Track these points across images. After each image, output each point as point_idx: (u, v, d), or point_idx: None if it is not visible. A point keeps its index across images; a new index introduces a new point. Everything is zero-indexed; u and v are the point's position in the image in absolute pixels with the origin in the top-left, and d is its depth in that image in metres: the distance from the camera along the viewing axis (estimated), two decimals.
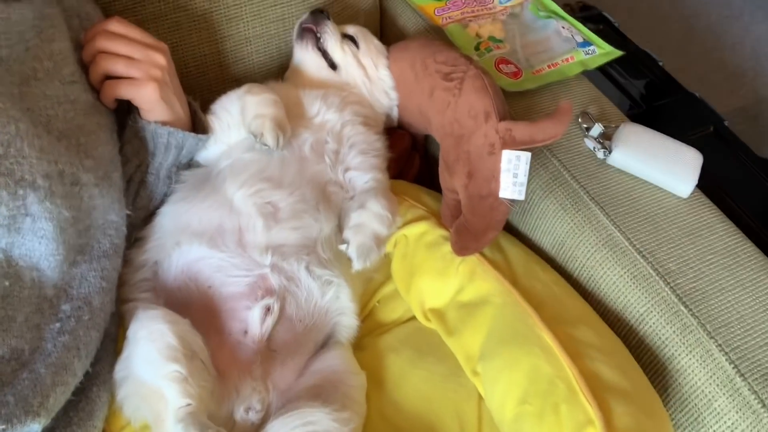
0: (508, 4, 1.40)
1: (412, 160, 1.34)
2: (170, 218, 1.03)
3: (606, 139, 1.19)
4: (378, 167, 1.15)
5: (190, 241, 0.99)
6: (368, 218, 1.02)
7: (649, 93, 2.04)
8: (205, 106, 1.21)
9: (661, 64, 2.14)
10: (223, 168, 1.07)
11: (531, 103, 1.25)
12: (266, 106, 1.06)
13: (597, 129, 1.19)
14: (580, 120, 1.22)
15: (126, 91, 0.99)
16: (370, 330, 1.14)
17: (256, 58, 1.27)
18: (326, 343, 1.05)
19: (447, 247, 1.11)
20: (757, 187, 1.88)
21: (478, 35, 1.33)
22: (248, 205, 1.01)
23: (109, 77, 0.99)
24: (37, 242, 0.84)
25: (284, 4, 1.26)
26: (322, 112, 1.14)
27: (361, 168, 1.12)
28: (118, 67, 0.98)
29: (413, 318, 1.14)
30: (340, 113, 1.14)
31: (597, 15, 2.29)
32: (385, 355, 1.08)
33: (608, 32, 2.20)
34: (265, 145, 1.03)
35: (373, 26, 1.41)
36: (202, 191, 1.04)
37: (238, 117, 1.08)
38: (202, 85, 1.25)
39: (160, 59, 1.00)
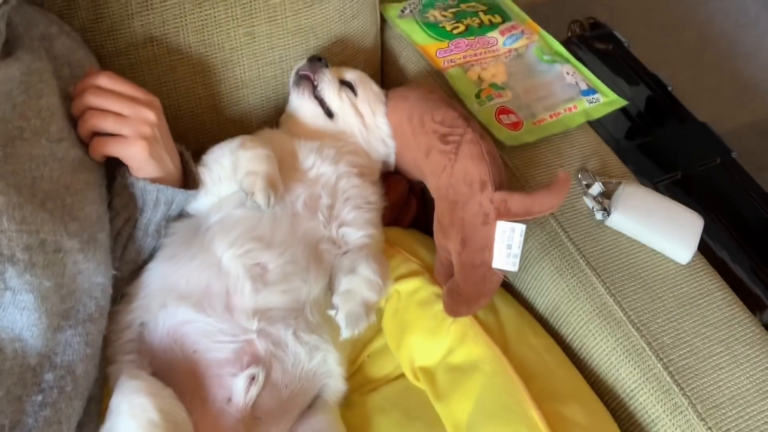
0: (513, 45, 1.37)
1: (409, 204, 1.31)
2: (157, 277, 1.02)
3: (606, 197, 1.16)
4: (372, 222, 1.13)
5: (177, 303, 0.98)
6: (358, 284, 1.01)
7: (656, 120, 2.01)
8: (199, 149, 1.20)
9: (670, 89, 2.10)
10: (213, 223, 1.05)
11: (530, 155, 1.22)
12: (259, 162, 1.04)
13: (597, 188, 1.17)
14: (579, 176, 1.20)
15: (115, 150, 0.97)
16: (359, 386, 1.13)
17: (252, 101, 1.25)
18: (312, 404, 1.04)
19: (439, 306, 1.09)
20: (762, 222, 1.85)
21: (480, 79, 1.30)
22: (237, 267, 0.99)
23: (98, 133, 0.97)
24: (18, 314, 0.82)
25: (282, 47, 1.23)
26: (317, 165, 1.12)
27: (356, 224, 1.10)
28: (107, 125, 0.96)
29: (403, 375, 1.13)
30: (335, 166, 1.12)
31: (607, 35, 2.24)
32: (373, 416, 1.07)
33: (618, 54, 2.16)
34: (256, 203, 1.01)
35: (373, 65, 1.39)
36: (191, 248, 1.03)
37: (230, 171, 1.06)
38: (196, 127, 1.23)
39: (150, 116, 0.98)
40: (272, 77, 1.25)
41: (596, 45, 2.20)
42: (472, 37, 1.35)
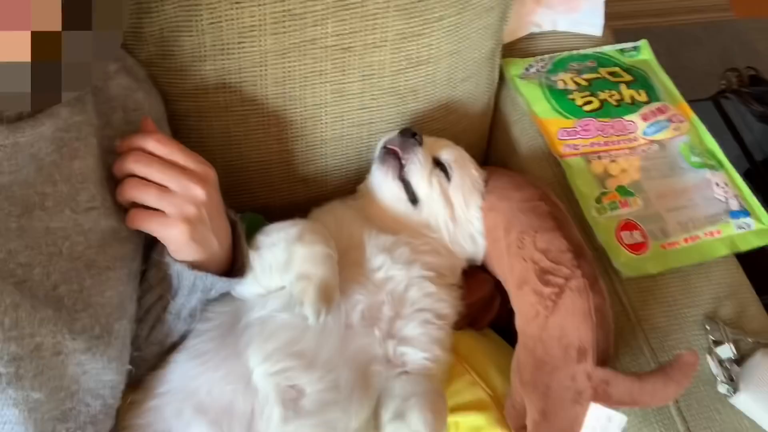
0: (655, 136, 1.12)
1: (491, 303, 1.11)
2: (179, 376, 0.88)
3: (737, 364, 0.92)
4: (441, 342, 0.95)
5: (193, 415, 0.84)
6: None
7: None
8: (264, 205, 1.05)
9: None
10: (253, 321, 0.90)
11: (649, 286, 0.99)
12: (315, 264, 0.87)
13: (726, 350, 0.93)
14: (707, 326, 0.96)
15: (152, 229, 0.83)
16: None
17: (330, 162, 1.08)
18: None
19: None
20: None
21: (606, 173, 1.07)
22: (268, 386, 0.84)
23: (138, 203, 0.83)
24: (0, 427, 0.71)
25: (373, 109, 1.05)
26: (386, 267, 0.94)
27: (420, 343, 0.93)
28: (148, 199, 0.82)
29: None
30: (407, 269, 0.94)
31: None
32: None
33: None
34: (304, 315, 0.85)
35: (479, 131, 1.18)
36: (222, 349, 0.88)
37: (283, 265, 0.90)
38: (263, 182, 1.07)
39: (199, 193, 0.83)
40: (357, 139, 1.07)
41: (756, 105, 1.87)
42: (606, 119, 1.11)
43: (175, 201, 0.82)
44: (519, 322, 0.87)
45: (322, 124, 1.03)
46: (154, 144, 0.82)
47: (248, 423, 0.84)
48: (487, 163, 1.23)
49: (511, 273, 0.90)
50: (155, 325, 0.91)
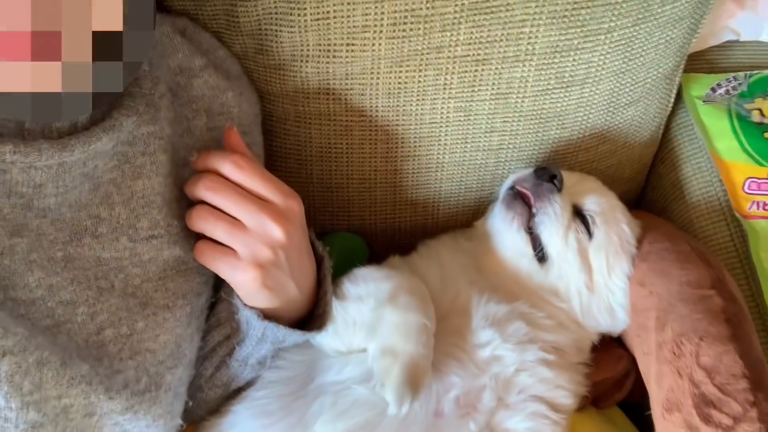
0: None
1: (622, 382, 0.90)
2: (242, 431, 0.76)
3: None
4: None
5: None
6: None
7: None
8: (360, 225, 0.89)
9: None
10: (326, 386, 0.75)
11: None
12: (406, 336, 0.70)
13: None
14: None
15: (218, 269, 0.69)
16: None
17: (445, 187, 0.89)
18: None
19: None
20: None
21: None
22: None
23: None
24: None
25: (505, 133, 0.84)
26: (494, 345, 0.75)
27: None
28: (217, 234, 0.68)
29: None
30: (521, 351, 0.75)
31: None
32: None
33: None
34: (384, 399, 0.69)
35: (639, 163, 0.93)
36: (288, 415, 0.74)
37: (369, 325, 0.74)
38: (363, 201, 0.91)
39: (277, 234, 0.68)
40: (481, 166, 0.87)
41: None
42: None
43: (249, 241, 0.67)
44: None
45: (440, 145, 0.84)
46: (230, 168, 0.68)
47: None
48: (640, 207, 0.99)
49: (657, 383, 0.69)
50: (220, 367, 0.79)
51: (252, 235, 0.68)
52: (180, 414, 0.73)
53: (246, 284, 0.69)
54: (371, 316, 0.74)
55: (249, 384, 0.81)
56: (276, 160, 0.88)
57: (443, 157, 0.86)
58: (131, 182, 0.67)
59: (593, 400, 0.87)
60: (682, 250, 0.77)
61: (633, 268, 0.79)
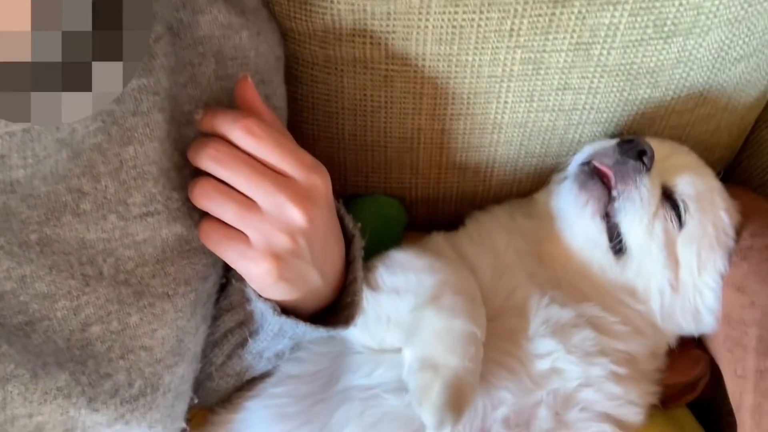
0: None
1: (695, 383, 0.78)
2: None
3: None
4: None
5: None
6: None
7: None
8: (398, 187, 0.76)
9: None
10: (353, 391, 0.64)
11: None
12: (451, 348, 0.58)
13: None
14: None
15: (227, 258, 0.58)
16: None
17: (502, 151, 0.74)
18: None
19: None
20: None
21: None
22: None
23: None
24: None
25: (583, 90, 0.68)
26: (555, 357, 0.63)
27: None
28: (227, 216, 0.56)
29: None
30: (587, 366, 0.63)
31: None
32: None
33: None
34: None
35: (738, 129, 0.77)
36: (309, 422, 0.64)
37: (407, 326, 0.62)
38: (404, 163, 0.77)
39: (298, 217, 0.56)
40: (548, 129, 0.72)
41: None
42: None
43: (263, 226, 0.55)
44: None
45: (499, 102, 0.69)
46: (241, 135, 0.55)
47: None
48: (732, 179, 0.83)
49: (753, 419, 0.56)
50: (232, 356, 0.69)
51: (267, 220, 0.55)
52: (183, 415, 0.63)
53: (259, 277, 0.57)
54: (409, 317, 0.61)
55: (265, 375, 0.71)
56: (301, 112, 0.75)
57: (502, 117, 0.70)
58: (120, 149, 0.55)
59: (661, 401, 0.75)
60: None
61: (729, 266, 0.65)
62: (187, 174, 0.58)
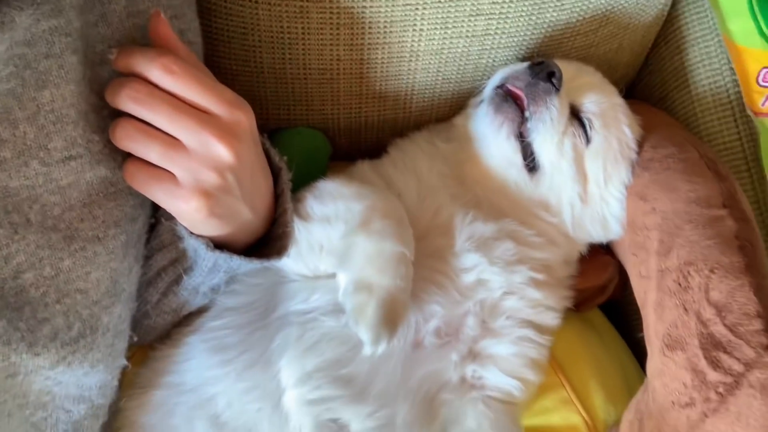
0: None
1: (605, 286, 0.85)
2: (195, 368, 0.69)
3: None
4: (535, 365, 0.71)
5: (207, 430, 0.66)
6: None
7: None
8: (324, 120, 0.78)
9: None
10: (291, 316, 0.67)
11: None
12: (382, 269, 0.62)
13: None
14: None
15: (156, 197, 0.58)
16: None
17: (420, 78, 0.76)
18: None
19: None
20: None
21: None
22: (302, 416, 0.64)
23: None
24: None
25: (493, 16, 0.70)
26: (480, 269, 0.67)
27: (508, 366, 0.70)
28: (151, 156, 0.56)
29: None
30: (509, 274, 0.68)
31: None
32: None
33: None
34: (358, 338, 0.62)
35: (640, 46, 0.81)
36: (249, 350, 0.67)
37: (339, 253, 0.64)
38: (325, 94, 0.78)
39: (224, 154, 0.57)
40: (463, 55, 0.74)
41: None
42: None
43: (190, 164, 0.56)
44: (658, 394, 0.61)
45: (414, 31, 0.70)
46: (159, 74, 0.54)
47: None
48: (635, 93, 0.88)
49: (656, 314, 0.63)
50: (167, 294, 0.70)
51: (193, 158, 0.56)
52: (124, 353, 0.65)
53: (189, 215, 0.58)
54: (341, 243, 0.64)
55: (202, 309, 0.73)
56: (218, 46, 0.74)
57: (418, 45, 0.72)
58: (35, 93, 0.54)
59: (575, 305, 0.82)
60: (690, 158, 0.68)
61: (633, 177, 0.71)
62: (106, 115, 0.58)
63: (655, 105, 0.84)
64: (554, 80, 0.66)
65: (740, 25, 0.76)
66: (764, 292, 0.58)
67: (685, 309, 0.59)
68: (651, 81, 0.86)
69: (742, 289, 0.57)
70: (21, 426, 0.58)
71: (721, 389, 0.55)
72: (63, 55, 0.54)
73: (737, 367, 0.55)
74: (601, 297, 0.86)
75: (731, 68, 0.76)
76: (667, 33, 0.82)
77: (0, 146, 0.53)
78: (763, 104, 0.74)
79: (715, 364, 0.56)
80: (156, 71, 0.54)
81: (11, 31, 0.50)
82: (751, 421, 0.54)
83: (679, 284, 0.60)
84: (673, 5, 0.80)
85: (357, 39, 0.71)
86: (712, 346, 0.57)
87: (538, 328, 0.71)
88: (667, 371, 0.59)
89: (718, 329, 0.57)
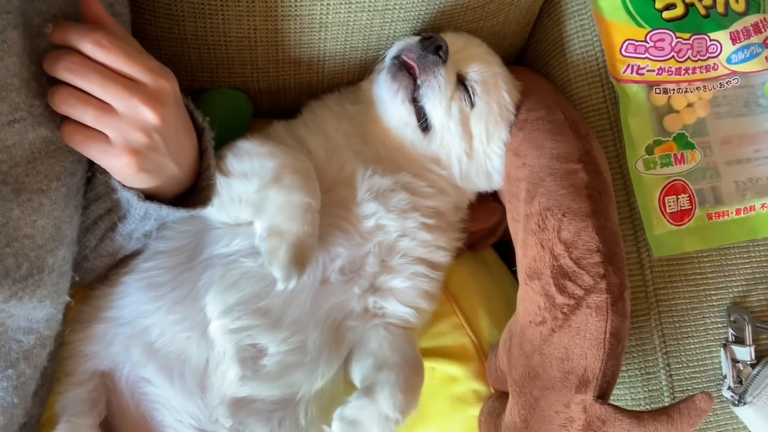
0: (740, 66, 0.88)
1: (495, 228, 0.98)
2: (131, 303, 0.78)
3: (751, 367, 0.83)
4: (428, 296, 0.83)
5: (143, 357, 0.76)
6: (370, 417, 0.75)
7: None
8: (245, 82, 0.86)
9: None
10: (215, 258, 0.77)
11: (676, 265, 0.85)
12: (291, 217, 0.72)
13: (745, 353, 0.83)
14: (732, 317, 0.84)
15: (90, 154, 0.67)
16: None
17: (330, 46, 0.85)
18: None
19: (474, 411, 0.86)
20: None
21: (668, 105, 0.86)
22: (225, 342, 0.75)
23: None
24: None
25: None
26: (378, 216, 0.78)
27: (405, 297, 0.82)
28: (85, 118, 0.65)
29: None
30: (403, 220, 0.79)
31: None
32: None
33: None
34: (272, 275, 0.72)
35: (524, 18, 0.92)
36: (178, 287, 0.77)
37: (255, 204, 0.74)
38: (245, 60, 0.86)
39: (150, 117, 0.65)
40: (366, 27, 0.83)
41: None
42: (686, 35, 0.87)
43: (120, 126, 0.64)
44: (520, 316, 0.75)
45: (322, 5, 0.79)
46: (91, 48, 0.63)
47: (201, 376, 0.75)
48: (523, 60, 1.00)
49: (523, 250, 0.76)
50: (104, 239, 0.79)
51: (123, 120, 0.64)
52: (67, 291, 0.74)
53: (121, 170, 0.67)
54: (256, 196, 0.74)
55: (137, 253, 0.82)
56: (144, 14, 0.81)
57: (326, 18, 0.81)
58: None
59: (468, 245, 0.94)
60: (556, 119, 0.80)
61: (510, 136, 0.82)
62: (44, 82, 0.65)
63: (539, 70, 0.96)
64: (441, 53, 0.77)
65: (609, 1, 0.88)
66: (605, 232, 0.71)
67: (542, 246, 0.72)
68: (536, 49, 0.97)
69: (586, 229, 0.70)
70: None
71: (566, 309, 0.68)
72: (5, 31, 0.61)
73: (578, 291, 0.68)
74: (492, 238, 0.99)
75: (600, 40, 0.88)
76: (549, 7, 0.93)
77: None
78: (624, 72, 0.86)
79: (562, 290, 0.69)
80: (88, 45, 0.62)
81: None
82: (587, 335, 0.68)
83: (539, 226, 0.73)
84: None
85: (271, 11, 0.79)
86: (560, 275, 0.70)
87: (431, 264, 0.83)
88: (527, 296, 0.73)
89: (566, 262, 0.70)
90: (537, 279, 0.72)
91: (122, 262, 0.82)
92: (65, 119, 0.65)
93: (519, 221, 0.77)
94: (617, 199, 0.82)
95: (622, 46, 0.87)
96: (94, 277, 0.82)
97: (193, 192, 0.77)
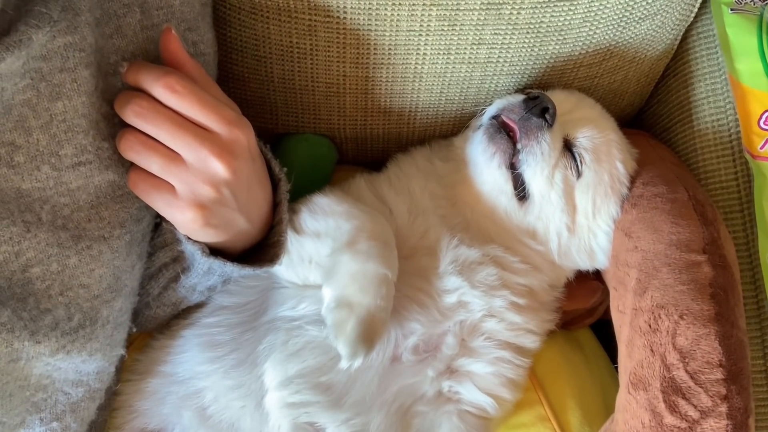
0: None
1: (594, 309, 0.87)
2: (188, 361, 0.73)
3: None
4: (513, 385, 0.74)
5: (194, 420, 0.71)
6: None
7: None
8: (327, 127, 0.81)
9: None
10: (279, 321, 0.71)
11: None
12: (364, 288, 0.64)
13: None
14: None
15: (155, 206, 0.62)
16: None
17: (423, 97, 0.78)
18: None
19: None
20: None
21: None
22: (281, 416, 0.68)
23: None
24: None
25: (495, 46, 0.71)
26: (461, 291, 0.70)
27: (485, 384, 0.72)
28: (153, 168, 0.60)
29: None
30: (489, 299, 0.70)
31: None
32: None
33: None
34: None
35: (647, 78, 0.82)
36: (238, 349, 0.71)
37: (326, 268, 0.67)
38: (332, 107, 0.81)
39: (220, 170, 0.60)
40: (465, 79, 0.75)
41: None
42: None
43: (187, 178, 0.60)
44: (618, 429, 0.64)
45: (419, 54, 0.72)
46: (163, 93, 0.58)
47: None
48: (643, 119, 0.89)
49: (627, 351, 0.65)
50: (167, 288, 0.75)
51: (191, 172, 0.60)
52: (123, 343, 0.70)
53: (186, 224, 0.62)
54: (328, 259, 0.67)
55: (200, 305, 0.77)
56: (231, 54, 0.77)
57: (422, 68, 0.74)
58: (49, 104, 0.58)
59: (562, 325, 0.84)
60: (678, 198, 0.69)
61: (621, 211, 0.72)
62: (117, 123, 0.61)
63: (659, 135, 0.85)
64: (547, 116, 0.68)
65: (748, 65, 0.76)
66: (730, 343, 0.59)
67: (652, 351, 0.61)
68: (658, 110, 0.86)
69: (707, 337, 0.59)
70: (22, 405, 0.63)
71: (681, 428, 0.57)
72: (76, 70, 0.58)
73: (693, 413, 0.57)
74: (590, 318, 0.88)
75: (735, 108, 0.76)
76: (676, 66, 0.82)
77: (14, 151, 0.57)
78: (761, 147, 0.74)
79: (673, 409, 0.58)
80: (160, 90, 0.58)
81: (28, 48, 0.54)
82: None
83: (650, 326, 0.62)
84: (683, 39, 0.80)
85: (362, 58, 0.73)
86: (672, 390, 0.58)
87: (517, 349, 0.73)
88: (629, 408, 0.62)
89: (680, 375, 0.59)
90: (643, 390, 0.60)
91: (184, 313, 0.77)
92: (133, 165, 0.61)
93: (625, 314, 0.67)
94: (744, 294, 0.70)
95: (761, 118, 0.74)
96: (155, 325, 0.78)
97: (262, 246, 0.72)
